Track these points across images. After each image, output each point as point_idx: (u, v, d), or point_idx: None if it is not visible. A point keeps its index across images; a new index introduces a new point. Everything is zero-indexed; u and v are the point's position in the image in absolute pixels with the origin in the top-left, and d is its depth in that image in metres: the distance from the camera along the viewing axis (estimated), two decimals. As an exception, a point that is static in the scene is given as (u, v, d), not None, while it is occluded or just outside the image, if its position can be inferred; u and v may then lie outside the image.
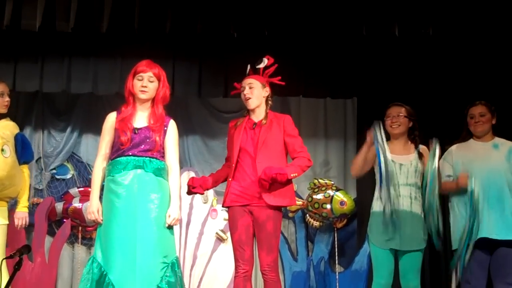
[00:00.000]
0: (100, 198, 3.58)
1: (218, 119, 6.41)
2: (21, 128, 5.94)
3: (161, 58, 4.03)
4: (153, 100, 3.64)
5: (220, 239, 5.99)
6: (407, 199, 3.98)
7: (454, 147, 4.13)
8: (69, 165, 6.28)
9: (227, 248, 5.80)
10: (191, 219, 6.01)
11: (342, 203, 5.81)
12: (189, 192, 3.97)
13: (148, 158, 3.52)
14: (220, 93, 5.60)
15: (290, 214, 6.08)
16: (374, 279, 4.04)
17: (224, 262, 5.90)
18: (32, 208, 5.95)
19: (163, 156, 3.59)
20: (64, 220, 5.89)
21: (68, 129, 6.30)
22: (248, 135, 3.84)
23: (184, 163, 6.22)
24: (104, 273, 3.39)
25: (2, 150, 3.89)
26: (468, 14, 5.10)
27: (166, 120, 3.63)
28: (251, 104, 3.86)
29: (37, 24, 5.05)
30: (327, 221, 5.94)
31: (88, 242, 6.06)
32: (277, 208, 3.78)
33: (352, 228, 6.02)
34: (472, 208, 3.77)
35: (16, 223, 4.18)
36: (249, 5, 5.20)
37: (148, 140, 3.53)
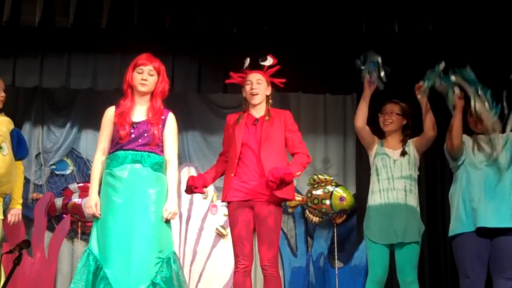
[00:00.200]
0: (99, 192, 3.58)
1: (217, 114, 6.41)
2: (21, 124, 6.00)
3: (161, 54, 4.02)
4: (152, 94, 3.64)
5: (220, 235, 6.00)
6: (401, 192, 4.04)
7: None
8: (68, 161, 6.29)
9: (227, 243, 5.81)
10: (191, 214, 6.01)
11: (341, 198, 5.82)
12: (190, 192, 3.97)
13: (146, 152, 3.52)
14: (219, 88, 5.60)
15: (290, 210, 6.08)
16: (369, 275, 4.08)
17: (224, 257, 5.91)
18: (32, 204, 5.97)
19: (162, 151, 3.59)
20: (64, 215, 5.90)
21: (68, 125, 6.30)
22: (249, 131, 3.85)
23: (183, 159, 6.22)
24: (100, 266, 3.40)
25: (1, 148, 3.89)
26: (468, 9, 5.10)
27: (165, 113, 3.63)
28: (257, 100, 3.88)
29: (36, 19, 5.06)
30: (327, 217, 5.94)
31: (88, 237, 5.97)
32: (278, 204, 3.80)
33: (351, 223, 6.03)
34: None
35: (9, 219, 4.19)
36: (248, 0, 5.19)
37: (146, 134, 3.53)
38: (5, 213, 4.15)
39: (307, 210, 6.00)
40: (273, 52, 3.96)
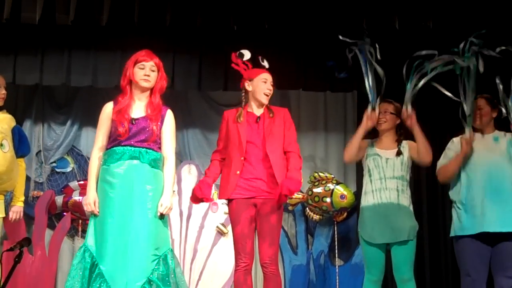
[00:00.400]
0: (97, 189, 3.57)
1: (218, 112, 6.38)
2: (21, 121, 5.99)
3: (161, 51, 4.03)
4: (151, 90, 3.64)
5: (220, 233, 6.00)
6: (394, 192, 4.03)
7: (456, 139, 4.14)
8: (69, 158, 6.28)
9: (227, 241, 5.81)
10: (191, 212, 6.01)
11: (342, 196, 5.81)
12: (198, 202, 3.96)
13: (144, 149, 3.51)
14: (220, 86, 5.60)
15: (290, 208, 6.08)
16: (366, 275, 4.08)
17: (224, 255, 5.91)
18: (32, 201, 5.97)
19: (159, 148, 3.58)
20: (64, 213, 5.90)
21: (68, 122, 6.30)
22: (252, 128, 3.86)
23: (184, 156, 6.22)
24: (96, 262, 3.39)
25: (1, 145, 3.88)
26: (468, 7, 5.09)
27: (164, 110, 3.63)
28: (267, 100, 3.91)
29: (37, 17, 5.05)
30: (327, 215, 5.94)
31: (88, 235, 6.06)
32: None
33: (352, 221, 6.02)
34: None
35: (10, 216, 4.19)
36: (249, -2, 5.20)
37: (145, 130, 3.53)
38: (6, 211, 4.15)
39: (307, 208, 5.99)
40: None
